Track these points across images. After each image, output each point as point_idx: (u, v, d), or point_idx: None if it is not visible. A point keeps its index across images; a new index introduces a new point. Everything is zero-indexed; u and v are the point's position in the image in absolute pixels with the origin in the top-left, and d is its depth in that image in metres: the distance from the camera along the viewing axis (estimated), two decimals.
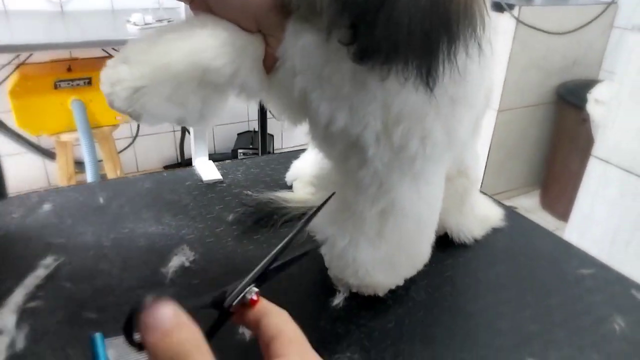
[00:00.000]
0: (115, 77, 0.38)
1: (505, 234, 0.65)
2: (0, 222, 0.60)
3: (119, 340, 0.45)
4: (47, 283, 0.51)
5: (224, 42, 0.40)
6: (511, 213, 0.69)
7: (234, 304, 0.29)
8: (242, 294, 0.29)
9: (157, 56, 0.38)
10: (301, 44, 0.40)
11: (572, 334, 0.49)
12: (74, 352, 0.43)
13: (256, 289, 0.29)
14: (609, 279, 0.57)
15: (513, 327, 0.49)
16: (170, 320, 0.24)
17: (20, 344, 0.43)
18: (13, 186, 0.81)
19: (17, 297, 0.48)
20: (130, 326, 0.25)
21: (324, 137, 0.46)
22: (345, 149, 0.46)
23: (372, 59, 0.35)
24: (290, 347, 0.27)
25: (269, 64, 0.43)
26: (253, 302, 0.29)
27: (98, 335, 0.44)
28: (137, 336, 0.26)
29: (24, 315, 0.46)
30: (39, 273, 0.51)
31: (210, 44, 0.39)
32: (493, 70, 0.49)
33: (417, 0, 0.33)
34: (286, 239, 0.32)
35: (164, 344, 0.23)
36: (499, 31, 1.98)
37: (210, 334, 0.29)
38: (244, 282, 0.30)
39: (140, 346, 0.25)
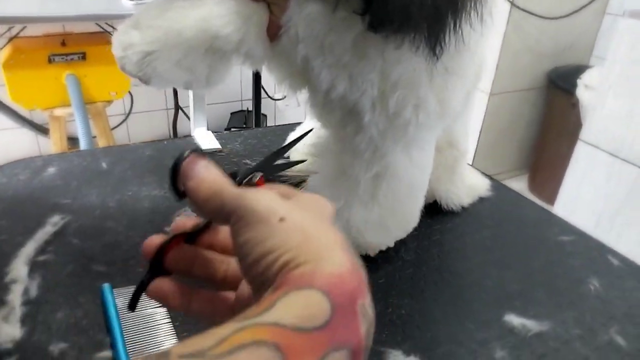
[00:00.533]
0: (127, 41, 0.40)
1: (492, 202, 0.68)
2: (7, 183, 0.62)
3: (127, 290, 0.48)
4: (56, 239, 0.53)
5: (231, 11, 0.41)
6: (497, 185, 0.72)
7: (243, 182, 0.33)
8: (249, 177, 0.33)
9: (169, 22, 0.40)
10: (306, 13, 0.42)
11: (550, 293, 0.52)
12: (84, 300, 0.46)
13: (261, 173, 0.33)
14: (587, 245, 0.61)
15: (496, 285, 0.52)
16: (204, 168, 0.29)
17: (34, 292, 0.46)
18: (4, 160, 0.82)
19: (29, 250, 0.50)
20: (175, 176, 0.30)
21: (323, 104, 0.49)
22: (342, 116, 0.48)
23: (386, 28, 0.37)
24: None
25: (273, 32, 0.45)
26: (259, 183, 0.33)
27: (107, 286, 0.47)
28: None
29: (35, 267, 0.49)
30: (48, 229, 0.54)
31: (219, 12, 0.41)
32: (485, 46, 0.51)
33: None
34: (286, 143, 0.39)
35: (202, 186, 0.28)
36: (492, 14, 2.00)
37: None
38: (251, 168, 0.34)
39: (182, 194, 0.30)
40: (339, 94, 0.44)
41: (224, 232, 0.34)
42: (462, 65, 0.45)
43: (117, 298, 0.46)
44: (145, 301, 0.45)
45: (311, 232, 0.26)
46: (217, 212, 0.28)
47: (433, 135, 0.52)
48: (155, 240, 0.32)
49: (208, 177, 0.29)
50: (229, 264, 0.33)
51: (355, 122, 0.47)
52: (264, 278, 0.25)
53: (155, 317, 0.44)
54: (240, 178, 0.33)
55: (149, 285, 0.33)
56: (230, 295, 0.33)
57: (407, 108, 0.44)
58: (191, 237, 0.33)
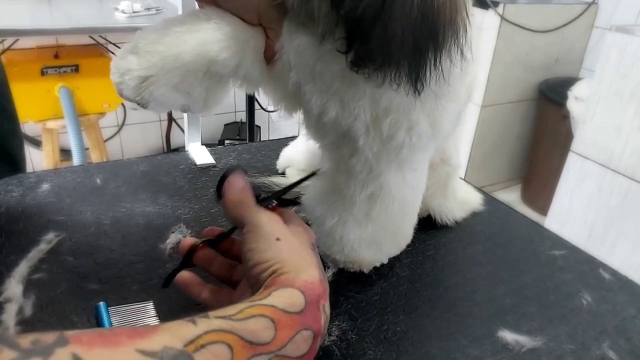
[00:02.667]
0: (124, 67, 0.40)
1: (484, 217, 0.69)
2: (0, 200, 0.62)
3: (122, 308, 0.48)
4: (50, 257, 0.53)
5: (228, 36, 0.42)
6: (490, 199, 0.73)
7: (261, 202, 0.43)
8: (266, 204, 0.43)
9: (166, 47, 0.41)
10: (296, 43, 0.43)
11: (542, 308, 0.53)
12: (79, 319, 0.46)
13: (275, 202, 0.44)
14: (578, 259, 0.62)
15: (489, 300, 0.53)
16: (239, 182, 0.43)
17: (28, 311, 0.46)
18: None
19: (22, 269, 0.50)
20: (221, 183, 0.43)
21: (317, 126, 0.49)
22: (337, 139, 0.49)
23: (367, 67, 0.38)
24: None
25: (269, 56, 0.46)
26: (273, 209, 0.43)
27: (102, 304, 0.47)
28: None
29: (30, 285, 0.49)
30: (42, 247, 0.54)
31: (216, 37, 0.42)
32: (475, 69, 0.52)
33: (409, 14, 0.35)
34: (293, 182, 0.51)
35: (231, 195, 0.42)
36: (483, 28, 2.03)
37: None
38: (269, 196, 0.45)
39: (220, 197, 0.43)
40: (332, 118, 0.44)
41: (237, 244, 0.46)
42: (452, 89, 0.46)
43: (112, 316, 0.46)
44: (139, 320, 0.46)
45: (296, 252, 0.39)
46: (236, 218, 0.41)
47: (426, 156, 0.52)
48: (188, 241, 0.46)
49: (238, 190, 0.42)
50: (236, 269, 0.46)
51: (350, 145, 0.48)
52: (259, 278, 0.37)
53: None
54: (260, 200, 0.43)
55: (177, 275, 0.44)
56: (229, 291, 0.44)
57: (400, 131, 0.44)
58: (214, 242, 0.46)
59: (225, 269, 0.46)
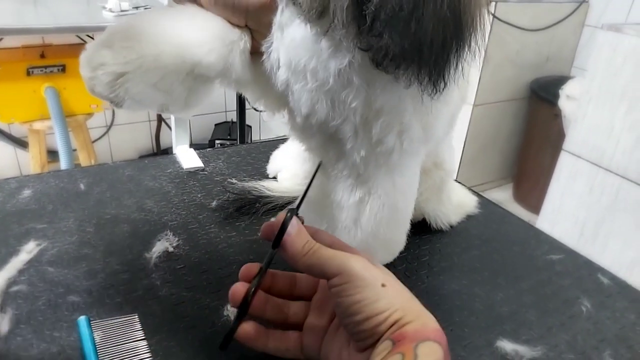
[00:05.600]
0: (97, 61, 0.37)
1: (480, 221, 0.67)
2: None
3: (105, 322, 0.46)
4: (30, 268, 0.51)
5: (215, 37, 0.40)
6: (485, 202, 0.72)
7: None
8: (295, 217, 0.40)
9: (146, 44, 0.38)
10: (288, 39, 0.40)
11: (541, 315, 0.51)
12: (59, 334, 0.43)
13: (300, 215, 0.40)
14: (576, 264, 0.60)
15: (486, 308, 0.51)
16: (300, 228, 0.39)
17: (5, 327, 0.43)
18: None
19: (0, 281, 0.48)
20: (281, 234, 0.38)
21: (303, 128, 0.47)
22: (324, 141, 0.47)
23: (392, 65, 0.36)
24: None
25: (255, 57, 0.44)
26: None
27: (84, 319, 0.45)
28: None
29: (8, 299, 0.46)
30: (22, 257, 0.51)
31: (202, 39, 0.40)
32: (467, 70, 0.51)
33: (440, 11, 0.34)
34: (308, 184, 0.45)
35: (298, 242, 0.38)
36: None
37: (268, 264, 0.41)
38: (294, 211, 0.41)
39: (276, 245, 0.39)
40: (320, 119, 0.43)
41: (279, 279, 0.43)
42: (446, 92, 0.45)
43: (95, 331, 0.43)
44: (124, 335, 0.43)
45: (405, 296, 0.36)
46: (314, 267, 0.37)
47: (416, 161, 0.50)
48: (240, 288, 0.40)
49: (301, 235, 0.38)
50: (290, 307, 0.42)
51: (337, 148, 0.46)
52: (375, 331, 0.34)
53: (135, 351, 0.42)
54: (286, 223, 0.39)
55: (238, 329, 0.40)
56: (297, 335, 0.41)
57: (390, 135, 0.42)
58: (259, 283, 0.40)
59: (278, 311, 0.42)
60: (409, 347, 0.32)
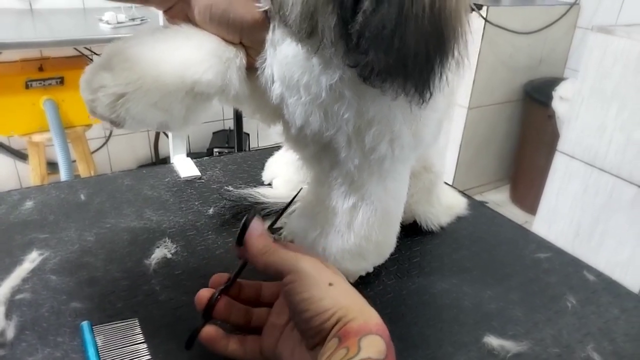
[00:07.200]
0: (97, 83, 0.39)
1: (469, 221, 0.69)
2: None
3: (107, 327, 0.47)
4: (34, 276, 0.53)
5: (212, 55, 0.42)
6: (474, 203, 0.74)
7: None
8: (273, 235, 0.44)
9: (144, 66, 0.40)
10: (281, 56, 0.42)
11: (528, 311, 0.53)
12: (63, 339, 0.45)
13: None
14: (563, 262, 0.62)
15: (474, 306, 0.53)
16: (261, 229, 0.43)
17: (11, 333, 0.45)
18: None
19: (4, 290, 0.50)
20: (243, 231, 0.42)
21: (297, 138, 0.49)
22: (317, 151, 0.49)
23: (379, 80, 0.38)
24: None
25: (250, 72, 0.46)
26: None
27: (86, 324, 0.47)
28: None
29: (12, 307, 0.48)
30: (25, 266, 0.53)
31: (199, 57, 0.41)
32: (453, 77, 0.53)
33: (421, 27, 0.35)
34: (281, 210, 0.48)
35: (258, 243, 0.42)
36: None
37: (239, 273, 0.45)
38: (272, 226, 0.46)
39: (240, 243, 0.43)
40: (313, 130, 0.44)
41: (246, 288, 0.46)
42: (433, 100, 0.47)
43: (97, 336, 0.45)
44: (124, 338, 0.45)
45: (350, 295, 0.38)
46: (268, 267, 0.40)
47: (407, 167, 0.52)
48: (204, 293, 0.43)
49: (263, 237, 0.42)
50: (254, 312, 0.45)
51: (330, 157, 0.48)
52: (321, 328, 0.36)
53: (135, 354, 0.44)
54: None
55: (201, 331, 0.42)
56: (255, 338, 0.43)
57: (382, 143, 0.44)
58: (227, 290, 0.44)
59: (242, 316, 0.44)
60: (353, 341, 0.34)
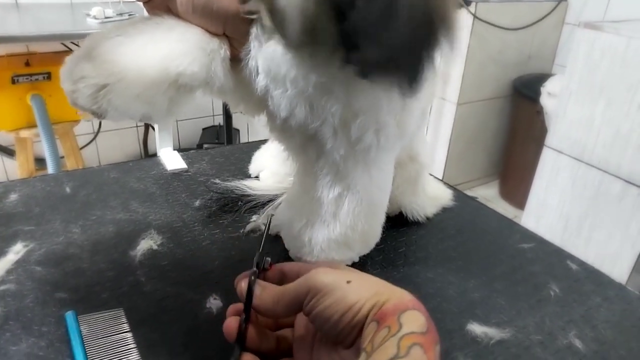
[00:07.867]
0: (78, 74, 0.38)
1: (455, 212, 0.70)
2: None
3: (92, 317, 0.47)
4: (18, 267, 0.52)
5: (196, 47, 0.41)
6: (460, 194, 0.74)
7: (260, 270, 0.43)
8: (263, 263, 0.43)
9: (126, 57, 0.39)
10: (268, 50, 0.42)
11: (511, 300, 0.54)
12: (48, 329, 0.45)
13: (269, 259, 0.43)
14: (547, 251, 0.63)
15: (459, 294, 0.54)
16: (260, 286, 0.41)
17: None
18: None
19: None
20: (250, 295, 0.40)
21: (282, 129, 0.49)
22: (303, 142, 0.49)
23: (374, 72, 0.38)
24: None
25: (234, 63, 0.45)
26: (270, 267, 0.43)
27: (71, 313, 0.46)
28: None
29: None
30: (10, 258, 0.53)
31: (184, 49, 0.41)
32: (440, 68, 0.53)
33: (413, 17, 0.36)
34: (265, 230, 0.47)
35: (265, 297, 0.40)
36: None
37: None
38: (259, 254, 0.43)
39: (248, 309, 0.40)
40: (299, 122, 0.44)
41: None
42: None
43: (82, 325, 0.45)
44: (110, 328, 0.45)
45: (373, 282, 0.38)
46: (290, 306, 0.39)
47: (392, 156, 0.53)
48: (233, 323, 0.40)
49: (269, 289, 0.40)
50: (278, 337, 0.43)
51: (316, 148, 0.48)
52: (353, 324, 0.35)
53: (121, 343, 0.44)
54: (259, 266, 0.42)
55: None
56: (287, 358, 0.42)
57: (368, 133, 0.45)
58: (248, 317, 0.41)
59: (272, 341, 0.42)
60: (392, 319, 0.33)
